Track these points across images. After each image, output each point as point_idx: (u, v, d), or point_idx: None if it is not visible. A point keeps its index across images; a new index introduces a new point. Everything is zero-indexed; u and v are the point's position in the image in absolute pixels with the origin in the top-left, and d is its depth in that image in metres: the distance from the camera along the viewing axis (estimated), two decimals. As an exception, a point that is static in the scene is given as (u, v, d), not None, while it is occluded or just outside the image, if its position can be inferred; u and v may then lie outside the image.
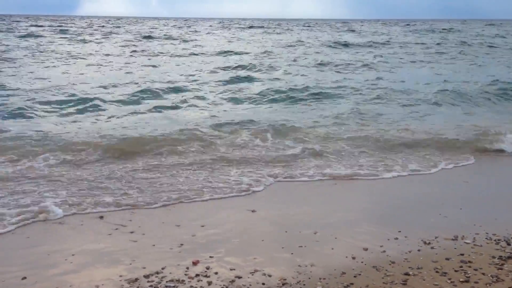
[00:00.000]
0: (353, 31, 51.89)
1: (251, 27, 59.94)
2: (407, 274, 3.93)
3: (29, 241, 4.58)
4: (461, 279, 3.81)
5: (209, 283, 3.79)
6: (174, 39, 35.91)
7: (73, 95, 12.52)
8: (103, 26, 54.73)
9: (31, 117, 10.21)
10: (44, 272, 3.97)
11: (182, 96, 13.07)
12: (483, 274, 3.89)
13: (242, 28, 58.31)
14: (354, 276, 3.90)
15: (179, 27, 58.27)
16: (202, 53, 25.25)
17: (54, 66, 18.75)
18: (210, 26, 63.06)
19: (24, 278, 3.87)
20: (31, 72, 16.67)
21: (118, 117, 10.51)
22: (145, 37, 35.52)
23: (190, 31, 49.08)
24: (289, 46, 31.04)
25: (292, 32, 47.94)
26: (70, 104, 11.50)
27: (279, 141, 8.49)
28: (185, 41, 33.98)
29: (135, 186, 6.11)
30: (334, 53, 26.51)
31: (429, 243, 4.54)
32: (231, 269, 4.01)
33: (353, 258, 4.23)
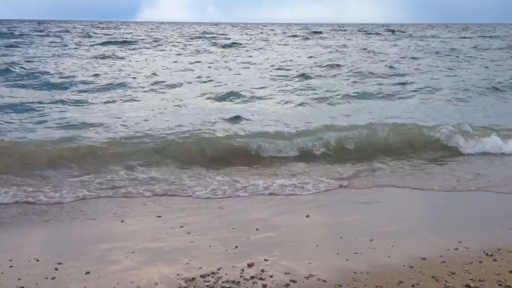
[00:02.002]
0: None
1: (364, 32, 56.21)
2: (468, 286, 3.80)
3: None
4: None
5: (264, 286, 3.82)
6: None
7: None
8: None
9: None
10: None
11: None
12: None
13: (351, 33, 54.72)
14: (412, 286, 3.81)
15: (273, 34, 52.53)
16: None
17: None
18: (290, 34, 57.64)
19: (88, 272, 4.05)
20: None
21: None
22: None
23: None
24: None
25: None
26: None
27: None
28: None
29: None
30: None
31: (492, 255, 4.36)
32: (285, 273, 4.02)
33: (411, 267, 4.14)
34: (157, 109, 11.23)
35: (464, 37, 45.25)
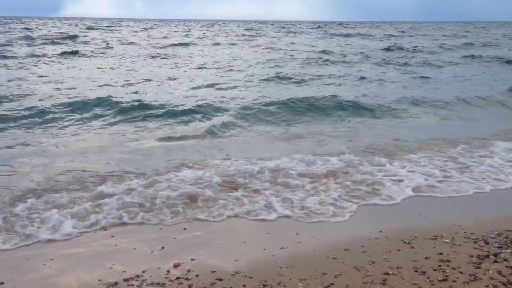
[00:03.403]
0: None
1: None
2: (386, 273, 3.96)
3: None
4: (439, 278, 3.85)
5: (190, 286, 3.77)
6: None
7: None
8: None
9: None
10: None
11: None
12: (461, 272, 3.94)
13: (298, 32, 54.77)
14: (335, 277, 3.92)
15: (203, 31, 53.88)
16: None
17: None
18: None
19: (2, 283, 3.82)
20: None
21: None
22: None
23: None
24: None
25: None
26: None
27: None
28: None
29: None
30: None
31: (409, 243, 4.58)
32: (212, 272, 4.00)
33: (334, 258, 4.26)
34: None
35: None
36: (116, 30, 54.03)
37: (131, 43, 34.25)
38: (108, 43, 32.63)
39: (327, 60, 23.53)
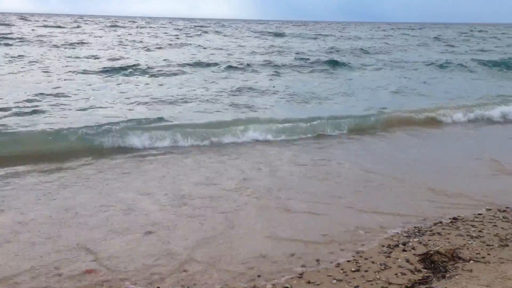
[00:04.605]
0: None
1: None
2: (303, 266, 4.05)
3: None
4: (352, 269, 4.00)
5: None
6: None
7: None
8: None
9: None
10: None
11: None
12: (373, 262, 4.11)
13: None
14: (250, 268, 3.95)
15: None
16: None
17: None
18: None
19: None
20: None
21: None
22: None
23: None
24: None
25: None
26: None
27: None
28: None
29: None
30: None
31: (325, 235, 4.71)
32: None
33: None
34: None
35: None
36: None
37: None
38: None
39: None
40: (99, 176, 6.40)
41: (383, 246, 4.46)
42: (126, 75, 15.70)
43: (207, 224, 4.93)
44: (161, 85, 14.20)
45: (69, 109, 10.02)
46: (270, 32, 48.09)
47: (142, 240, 4.55)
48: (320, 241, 4.59)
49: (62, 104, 10.45)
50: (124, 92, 12.58)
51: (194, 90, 13.36)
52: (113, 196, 5.69)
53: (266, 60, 20.99)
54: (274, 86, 14.44)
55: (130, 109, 10.38)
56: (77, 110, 9.97)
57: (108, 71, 16.19)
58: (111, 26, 51.80)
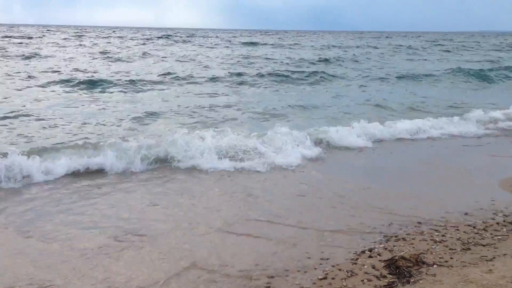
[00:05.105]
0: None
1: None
2: (271, 276, 4.04)
3: None
4: (320, 276, 4.02)
5: None
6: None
7: None
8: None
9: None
10: None
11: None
12: (340, 269, 4.14)
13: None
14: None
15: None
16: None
17: None
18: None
19: None
20: None
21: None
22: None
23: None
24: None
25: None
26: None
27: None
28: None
29: None
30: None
31: (295, 244, 4.71)
32: None
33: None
34: None
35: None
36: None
37: None
38: None
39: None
40: None
41: (349, 252, 4.51)
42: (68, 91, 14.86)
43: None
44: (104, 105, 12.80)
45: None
46: (243, 43, 48.36)
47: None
48: (288, 250, 4.60)
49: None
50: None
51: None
52: None
53: (230, 73, 20.47)
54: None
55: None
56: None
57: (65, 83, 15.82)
58: (77, 36, 51.25)
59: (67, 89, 15.18)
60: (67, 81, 16.39)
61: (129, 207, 5.65)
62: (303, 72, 21.53)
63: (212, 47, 40.94)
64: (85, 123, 10.11)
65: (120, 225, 5.10)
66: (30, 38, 44.42)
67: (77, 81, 16.32)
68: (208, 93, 15.53)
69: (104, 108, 12.23)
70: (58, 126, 9.72)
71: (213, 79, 18.67)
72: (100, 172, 6.98)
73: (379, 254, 4.42)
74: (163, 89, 16.04)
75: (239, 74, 20.01)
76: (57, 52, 29.31)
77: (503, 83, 21.67)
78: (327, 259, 4.36)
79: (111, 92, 14.93)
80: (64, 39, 45.63)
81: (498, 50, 44.95)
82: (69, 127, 9.64)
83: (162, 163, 7.40)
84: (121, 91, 15.13)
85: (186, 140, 7.75)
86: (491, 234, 4.91)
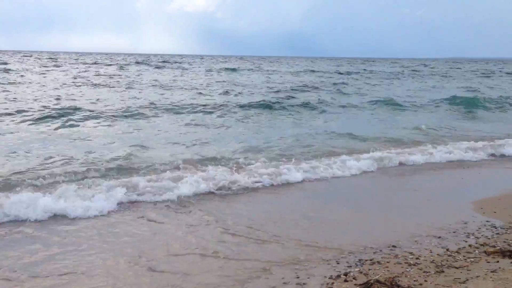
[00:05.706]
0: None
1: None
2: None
3: None
4: (296, 302, 3.98)
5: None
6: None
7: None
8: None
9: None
10: None
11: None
12: (316, 294, 4.12)
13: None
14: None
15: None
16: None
17: None
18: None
19: None
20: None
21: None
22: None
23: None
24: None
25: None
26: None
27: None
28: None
29: None
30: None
31: (268, 269, 4.68)
32: None
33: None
34: None
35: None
36: None
37: None
38: None
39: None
40: None
41: (325, 277, 4.48)
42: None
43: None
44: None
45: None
46: (220, 69, 48.44)
47: None
48: (264, 275, 4.55)
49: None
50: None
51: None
52: None
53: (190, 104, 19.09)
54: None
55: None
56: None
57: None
58: (51, 62, 50.37)
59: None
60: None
61: None
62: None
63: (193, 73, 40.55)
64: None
65: None
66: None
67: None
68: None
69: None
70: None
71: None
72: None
73: (354, 278, 4.41)
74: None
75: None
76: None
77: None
78: (304, 284, 4.33)
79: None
80: (40, 66, 44.64)
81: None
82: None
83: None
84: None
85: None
86: (463, 256, 4.97)
